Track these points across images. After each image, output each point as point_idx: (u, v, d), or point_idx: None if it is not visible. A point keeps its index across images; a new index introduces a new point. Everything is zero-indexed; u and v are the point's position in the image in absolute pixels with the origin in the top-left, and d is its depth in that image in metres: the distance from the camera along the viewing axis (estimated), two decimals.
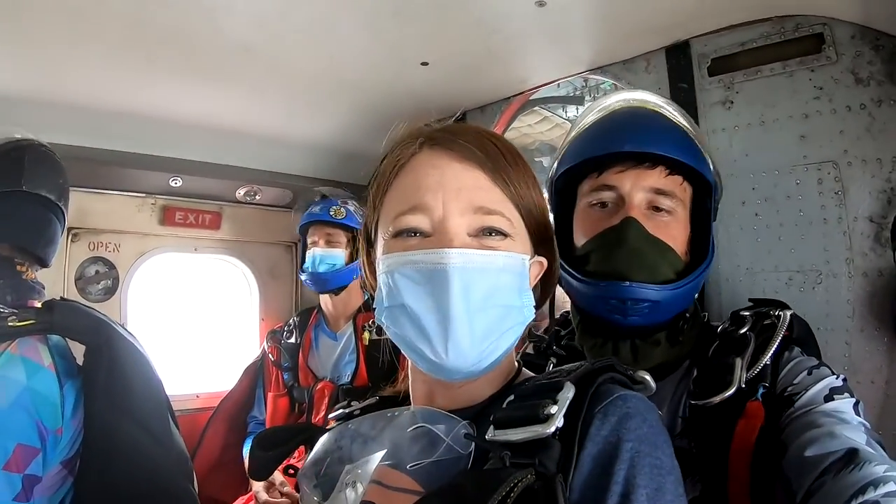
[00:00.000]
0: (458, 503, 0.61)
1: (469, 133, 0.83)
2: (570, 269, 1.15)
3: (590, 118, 1.27)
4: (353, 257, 2.50)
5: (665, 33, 1.72)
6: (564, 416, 0.65)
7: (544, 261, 0.88)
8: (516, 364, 0.89)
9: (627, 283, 1.06)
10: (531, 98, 2.37)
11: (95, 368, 1.42)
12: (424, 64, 1.90)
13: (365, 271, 0.93)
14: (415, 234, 0.79)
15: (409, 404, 0.90)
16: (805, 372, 1.01)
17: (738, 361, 1.03)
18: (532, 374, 0.88)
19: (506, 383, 0.84)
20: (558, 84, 2.24)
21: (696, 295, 1.18)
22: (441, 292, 0.74)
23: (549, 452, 0.63)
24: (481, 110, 2.36)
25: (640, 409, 0.69)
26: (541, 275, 0.89)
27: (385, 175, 0.85)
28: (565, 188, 1.25)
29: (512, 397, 0.74)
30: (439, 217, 0.77)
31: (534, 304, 0.84)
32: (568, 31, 1.73)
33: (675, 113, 1.22)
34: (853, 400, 0.96)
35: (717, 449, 0.98)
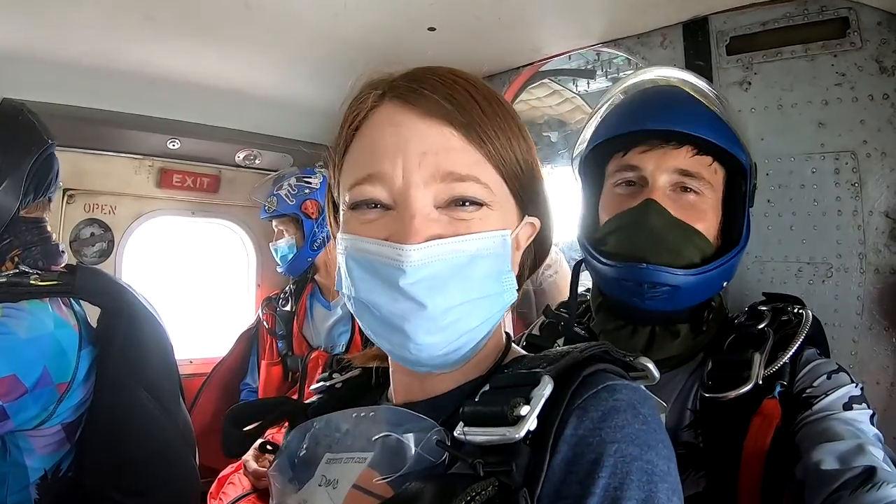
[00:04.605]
0: None
1: (434, 80, 0.71)
2: (591, 250, 1.13)
3: (616, 97, 1.24)
4: (307, 236, 2.47)
5: (683, 8, 1.65)
6: (539, 416, 0.56)
7: (536, 222, 0.78)
8: (504, 340, 0.80)
9: (644, 265, 1.03)
10: (541, 70, 2.31)
11: (113, 332, 1.45)
12: (432, 29, 1.83)
13: (334, 234, 0.82)
14: (375, 206, 0.68)
15: (390, 384, 0.83)
16: (824, 376, 0.98)
17: (757, 357, 0.99)
18: (523, 352, 0.79)
19: (493, 364, 0.75)
20: (569, 56, 2.18)
21: (726, 284, 1.14)
22: (398, 294, 0.65)
23: (517, 459, 0.55)
24: (489, 80, 2.28)
25: (632, 402, 0.60)
26: (533, 236, 0.79)
27: (342, 134, 0.76)
28: (594, 169, 1.22)
29: (487, 387, 0.65)
30: (399, 187, 0.66)
31: (516, 285, 0.73)
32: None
33: (708, 92, 1.18)
34: (870, 411, 0.94)
35: (728, 445, 0.95)
